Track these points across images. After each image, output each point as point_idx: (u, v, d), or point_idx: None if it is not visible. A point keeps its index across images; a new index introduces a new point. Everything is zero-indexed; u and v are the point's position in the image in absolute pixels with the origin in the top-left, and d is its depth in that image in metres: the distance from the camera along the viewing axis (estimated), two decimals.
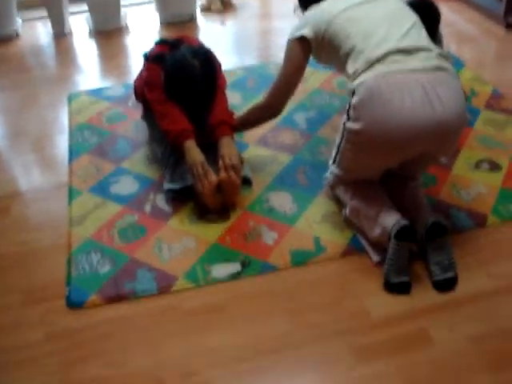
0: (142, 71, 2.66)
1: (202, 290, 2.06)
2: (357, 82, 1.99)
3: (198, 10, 4.36)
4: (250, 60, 3.64)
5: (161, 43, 2.58)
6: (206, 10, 4.42)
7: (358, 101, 1.96)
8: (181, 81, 2.37)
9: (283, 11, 4.35)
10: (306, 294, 2.02)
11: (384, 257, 2.04)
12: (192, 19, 4.26)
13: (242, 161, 2.36)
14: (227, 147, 2.33)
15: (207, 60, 2.42)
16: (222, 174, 2.26)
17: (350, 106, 2.02)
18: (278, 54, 3.63)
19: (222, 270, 2.11)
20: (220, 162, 2.29)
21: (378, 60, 1.98)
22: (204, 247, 2.21)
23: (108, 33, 4.20)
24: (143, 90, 2.56)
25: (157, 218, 2.37)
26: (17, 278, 2.19)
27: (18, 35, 4.29)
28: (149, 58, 2.52)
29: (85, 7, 4.23)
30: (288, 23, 4.11)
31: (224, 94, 2.51)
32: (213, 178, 2.25)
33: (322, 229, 2.26)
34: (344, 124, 2.07)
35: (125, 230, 2.32)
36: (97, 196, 2.51)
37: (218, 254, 2.18)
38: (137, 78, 2.81)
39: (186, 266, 2.13)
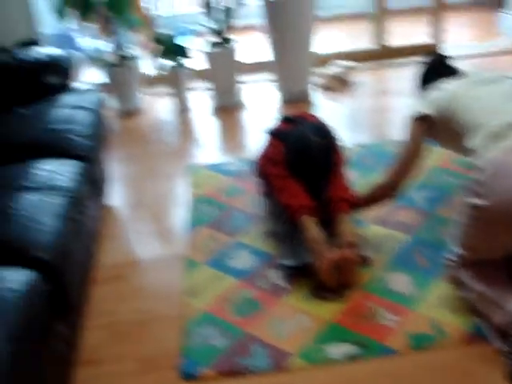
0: (265, 147, 2.72)
1: (317, 369, 2.02)
2: (483, 157, 1.96)
3: (317, 88, 4.43)
4: (366, 137, 3.64)
5: (284, 120, 2.65)
6: (325, 87, 4.49)
7: (486, 177, 1.92)
8: (302, 156, 2.41)
9: (399, 89, 4.35)
10: (425, 381, 1.94)
11: (509, 344, 1.93)
12: (309, 97, 4.34)
13: (360, 239, 2.33)
14: (346, 225, 2.32)
15: (328, 137, 2.45)
16: (341, 252, 2.24)
17: (475, 183, 1.97)
18: (394, 132, 3.66)
19: (337, 350, 2.07)
20: (339, 240, 2.27)
21: (503, 135, 1.94)
22: (320, 326, 2.18)
23: (228, 109, 4.34)
24: (265, 165, 2.62)
25: (272, 293, 2.36)
26: (133, 346, 2.24)
27: (140, 110, 4.52)
28: (273, 134, 2.58)
29: (207, 84, 4.40)
30: (403, 101, 4.11)
31: (343, 171, 2.52)
32: (331, 254, 2.23)
33: (443, 312, 2.18)
34: (468, 201, 2.01)
35: (240, 304, 2.33)
36: (214, 269, 2.55)
37: (333, 333, 2.14)
38: (259, 154, 2.86)
39: (301, 344, 2.10)
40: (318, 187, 2.49)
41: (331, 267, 2.25)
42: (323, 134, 2.44)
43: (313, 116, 2.72)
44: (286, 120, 2.65)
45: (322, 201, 2.44)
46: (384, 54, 4.95)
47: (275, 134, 2.58)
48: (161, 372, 2.10)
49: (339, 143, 2.57)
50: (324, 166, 2.45)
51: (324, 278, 2.28)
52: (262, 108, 4.31)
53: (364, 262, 2.39)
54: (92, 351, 2.23)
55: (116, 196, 3.31)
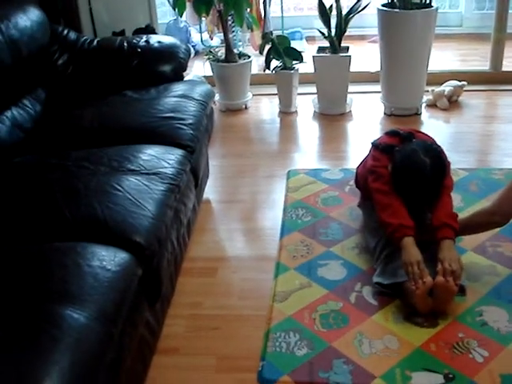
0: (367, 159, 2.65)
1: None
2: None
3: (424, 105, 4.33)
4: (470, 161, 3.51)
5: (392, 134, 2.55)
6: (432, 105, 4.37)
7: None
8: (409, 176, 2.33)
9: (509, 116, 4.19)
10: None
11: None
12: (417, 113, 4.23)
13: (461, 267, 2.23)
14: (448, 251, 2.23)
15: (439, 159, 2.35)
16: (440, 279, 2.15)
17: None
18: (500, 159, 3.51)
19: (423, 378, 1.98)
20: (439, 266, 2.18)
21: None
22: (406, 350, 2.09)
23: (332, 117, 4.29)
24: (366, 177, 2.55)
25: (361, 309, 2.29)
26: (214, 342, 2.23)
27: (246, 108, 4.54)
28: (378, 147, 2.50)
29: (313, 89, 4.37)
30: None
31: (450, 196, 2.42)
32: (428, 279, 2.15)
33: None
34: None
35: (327, 315, 2.27)
36: (303, 276, 2.51)
37: (420, 360, 2.05)
38: (360, 165, 2.81)
39: (386, 367, 2.02)
40: (423, 209, 2.40)
41: (426, 293, 2.16)
42: (434, 155, 2.34)
43: (423, 134, 2.62)
44: (393, 134, 2.55)
45: (425, 223, 2.36)
46: (498, 79, 4.78)
47: (380, 147, 2.49)
48: (238, 373, 2.08)
49: (450, 166, 2.47)
50: (433, 189, 2.36)
51: (416, 302, 2.20)
52: (367, 119, 4.25)
53: (460, 291, 2.29)
54: (171, 340, 2.24)
55: (213, 190, 3.32)
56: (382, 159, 2.46)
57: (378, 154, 2.50)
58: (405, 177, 2.34)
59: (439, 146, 2.45)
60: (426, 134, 2.63)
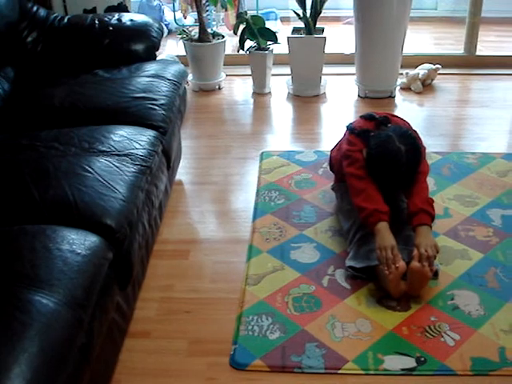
0: (341, 142, 2.64)
1: (371, 378, 1.95)
2: None
3: (398, 88, 4.32)
4: (444, 145, 3.52)
5: (368, 118, 2.53)
6: (406, 88, 4.37)
7: None
8: (384, 162, 2.32)
9: (483, 100, 4.20)
10: None
11: None
12: (391, 96, 4.23)
13: (438, 252, 2.23)
14: (424, 237, 2.23)
15: (414, 145, 2.34)
16: (415, 264, 2.15)
17: None
18: (473, 143, 3.53)
19: (394, 362, 1.99)
20: (415, 251, 2.19)
21: None
22: (379, 334, 2.10)
23: (306, 98, 4.27)
24: (340, 161, 2.54)
25: (334, 293, 2.29)
26: (186, 325, 2.21)
27: (220, 88, 4.49)
28: (354, 132, 2.48)
29: (288, 70, 4.33)
30: (486, 113, 3.97)
31: (426, 181, 2.41)
32: (401, 264, 2.15)
33: (510, 339, 2.07)
34: None
35: (299, 299, 2.27)
36: (276, 259, 2.50)
37: (392, 343, 2.06)
38: (334, 148, 2.79)
39: (358, 350, 2.03)
40: (395, 194, 2.40)
41: (399, 278, 2.17)
42: (410, 141, 2.33)
43: (398, 118, 2.60)
44: (368, 118, 2.53)
45: (399, 208, 2.36)
46: (472, 62, 4.79)
47: (355, 131, 2.48)
48: (210, 356, 2.06)
49: (425, 152, 2.46)
50: (408, 175, 2.35)
51: (389, 286, 2.20)
52: (342, 101, 4.23)
53: (434, 275, 2.29)
54: (142, 324, 2.22)
55: (185, 172, 3.28)
56: (357, 143, 2.44)
57: (353, 138, 2.48)
58: (379, 163, 2.33)
59: (415, 132, 2.44)
60: (402, 119, 2.61)
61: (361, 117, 2.58)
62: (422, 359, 2.00)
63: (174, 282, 2.43)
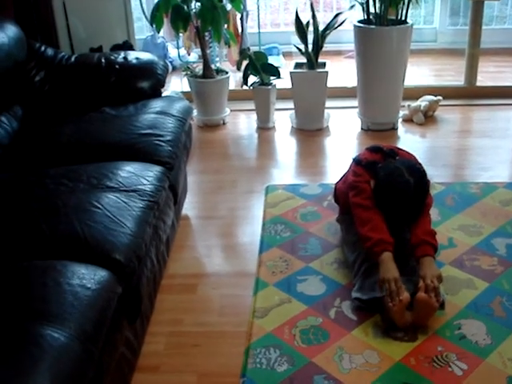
0: (347, 174, 2.67)
1: None
2: None
3: (400, 120, 4.37)
4: (447, 176, 3.56)
5: (374, 150, 2.57)
6: (408, 120, 4.42)
7: None
8: (393, 194, 2.35)
9: (485, 130, 4.25)
10: None
11: None
12: (393, 128, 4.27)
13: (440, 281, 2.25)
14: (429, 268, 2.25)
15: (422, 179, 2.38)
16: (422, 295, 2.17)
17: None
18: (476, 173, 3.56)
19: None
20: (421, 282, 2.21)
21: None
22: (387, 365, 2.10)
23: (309, 132, 4.32)
24: (346, 193, 2.56)
25: (341, 324, 2.30)
26: (195, 359, 2.22)
27: (224, 123, 4.55)
28: (361, 163, 2.52)
29: (291, 105, 4.39)
30: (488, 143, 4.01)
31: (429, 214, 2.44)
32: (405, 296, 2.17)
33: None
34: None
35: (307, 331, 2.28)
36: (282, 291, 2.51)
37: (400, 374, 2.06)
38: (339, 181, 2.82)
39: (366, 382, 2.03)
40: (400, 226, 2.42)
41: (403, 310, 2.18)
42: (419, 174, 2.37)
43: (404, 151, 2.63)
44: (375, 150, 2.57)
45: (403, 240, 2.39)
46: (472, 93, 4.85)
47: (362, 163, 2.51)
48: None
49: (430, 184, 2.49)
50: (415, 208, 2.38)
51: (395, 318, 2.21)
52: (345, 134, 4.28)
53: (440, 305, 2.30)
54: (151, 358, 2.22)
55: (191, 207, 3.32)
56: (364, 175, 2.47)
57: (359, 169, 2.51)
58: (388, 194, 2.36)
59: (422, 166, 2.47)
60: (408, 152, 2.65)
61: (367, 149, 2.62)
62: None
63: (182, 316, 2.44)
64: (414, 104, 4.45)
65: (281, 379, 2.06)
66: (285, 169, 3.78)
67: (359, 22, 4.10)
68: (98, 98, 3.14)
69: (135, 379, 2.10)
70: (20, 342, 1.46)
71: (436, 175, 3.49)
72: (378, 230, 2.32)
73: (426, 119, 4.42)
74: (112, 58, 3.30)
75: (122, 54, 3.34)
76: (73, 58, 3.37)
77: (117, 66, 3.25)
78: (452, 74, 5.47)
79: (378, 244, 2.29)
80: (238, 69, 4.52)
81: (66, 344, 1.48)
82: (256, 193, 3.43)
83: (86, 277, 1.72)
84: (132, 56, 3.34)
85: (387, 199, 2.37)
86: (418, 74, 5.49)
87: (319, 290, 2.51)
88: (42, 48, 3.36)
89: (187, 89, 4.60)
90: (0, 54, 2.86)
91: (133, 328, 2.02)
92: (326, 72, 4.23)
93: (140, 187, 2.29)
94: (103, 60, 3.27)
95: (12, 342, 1.46)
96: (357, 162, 2.55)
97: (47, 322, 1.52)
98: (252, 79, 4.37)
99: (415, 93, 4.63)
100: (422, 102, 4.47)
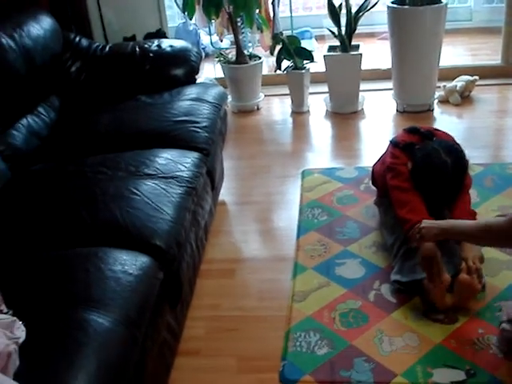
0: (385, 156, 2.66)
1: None
2: None
3: (436, 101, 4.32)
4: (486, 156, 3.51)
5: (411, 132, 2.55)
6: (444, 101, 4.36)
7: None
8: (431, 175, 2.33)
9: None
10: None
11: None
12: (429, 110, 4.23)
13: (482, 262, 2.23)
14: (470, 249, 2.23)
15: (460, 159, 2.35)
16: (464, 276, 2.15)
17: None
18: None
19: (444, 375, 1.98)
20: (463, 264, 2.19)
21: None
22: (427, 347, 2.10)
23: (344, 115, 4.29)
24: (383, 175, 2.55)
25: (380, 307, 2.30)
26: (235, 343, 2.24)
27: (258, 109, 4.55)
28: (398, 146, 2.50)
29: (325, 88, 4.37)
30: None
31: (468, 194, 2.42)
32: (446, 277, 2.15)
33: None
34: None
35: (346, 314, 2.28)
36: (321, 275, 2.52)
37: (441, 356, 2.06)
38: (377, 163, 2.80)
39: (406, 364, 2.03)
40: (439, 207, 2.40)
41: (444, 289, 2.17)
42: (457, 155, 2.35)
43: (442, 132, 2.61)
44: (412, 131, 2.55)
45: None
46: (509, 72, 4.75)
47: (399, 145, 2.49)
48: (260, 373, 2.09)
49: (468, 165, 2.45)
50: (454, 188, 2.37)
51: (435, 299, 2.21)
52: (380, 116, 4.24)
53: (481, 287, 2.29)
54: (191, 342, 2.25)
55: (228, 192, 3.33)
56: (402, 157, 2.46)
57: (397, 151, 2.49)
58: (426, 175, 2.35)
59: (460, 146, 2.44)
60: (446, 133, 2.62)
61: (404, 130, 2.60)
62: (472, 372, 1.98)
63: (221, 300, 2.47)
64: (449, 85, 4.38)
65: (321, 362, 2.07)
66: (320, 153, 3.77)
67: (392, 2, 4.04)
68: (133, 87, 3.17)
69: (177, 363, 2.13)
70: (65, 328, 1.50)
71: (474, 156, 3.42)
72: (416, 211, 2.31)
73: (462, 100, 4.35)
74: (146, 46, 3.33)
75: (156, 42, 3.37)
76: (107, 48, 3.41)
77: (151, 55, 3.27)
78: (488, 53, 5.37)
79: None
80: (271, 53, 4.51)
81: (110, 329, 1.51)
82: (291, 177, 3.43)
83: (128, 263, 1.75)
84: (166, 44, 3.36)
85: (425, 180, 2.35)
86: (453, 53, 5.41)
87: (358, 273, 2.51)
88: (77, 39, 3.40)
89: (220, 75, 4.61)
90: (37, 47, 2.90)
91: (174, 313, 2.06)
92: (360, 54, 4.20)
93: (178, 173, 2.31)
94: (137, 49, 3.30)
95: (57, 328, 1.50)
96: (394, 144, 2.53)
97: (91, 307, 1.56)
98: (285, 64, 4.36)
99: (451, 73, 4.56)
100: (458, 82, 4.40)
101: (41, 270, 1.75)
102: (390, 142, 2.57)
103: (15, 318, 1.47)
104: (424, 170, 2.35)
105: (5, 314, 1.50)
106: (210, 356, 2.19)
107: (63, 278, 1.69)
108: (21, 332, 1.44)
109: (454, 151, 2.36)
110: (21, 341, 1.42)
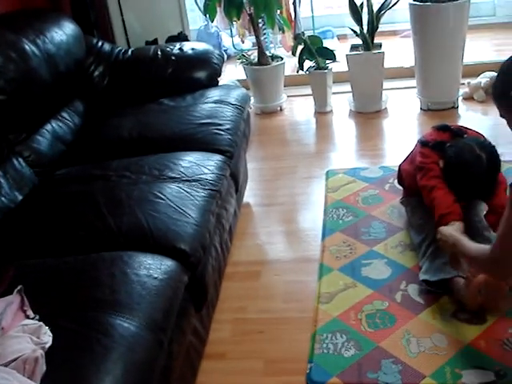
0: (413, 156, 2.63)
1: None
2: None
3: (460, 98, 4.27)
4: None
5: (442, 129, 2.52)
6: (469, 98, 4.31)
7: None
8: (465, 170, 2.30)
9: None
10: None
11: None
12: (454, 107, 4.18)
13: None
14: None
15: (494, 154, 2.32)
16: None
17: None
18: None
19: (473, 376, 1.95)
20: None
21: None
22: (455, 348, 2.07)
23: (368, 114, 4.26)
24: (411, 174, 2.52)
25: (407, 308, 2.27)
26: (261, 345, 2.24)
27: (281, 110, 4.54)
28: (428, 145, 2.47)
29: (348, 88, 4.35)
30: None
31: (505, 192, 2.37)
32: (479, 277, 2.11)
33: None
34: None
35: (373, 315, 2.26)
36: (347, 276, 2.50)
37: (470, 357, 2.03)
38: (404, 162, 2.77)
39: (435, 365, 2.00)
40: (470, 209, 2.37)
41: (477, 290, 2.13)
42: (490, 150, 2.31)
43: (472, 130, 2.57)
44: (443, 129, 2.51)
45: (471, 224, 2.34)
46: None
47: (429, 144, 2.46)
48: (286, 376, 2.08)
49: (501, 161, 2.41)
50: (488, 184, 2.33)
51: (465, 299, 2.17)
52: (404, 115, 4.21)
53: (509, 288, 2.25)
54: (217, 345, 2.25)
55: (252, 194, 3.33)
56: (432, 156, 2.43)
57: (426, 150, 2.46)
58: (460, 172, 2.31)
59: (491, 142, 2.40)
60: (476, 131, 2.59)
61: (434, 128, 2.57)
62: (502, 373, 1.95)
63: (246, 303, 2.46)
64: (474, 81, 4.34)
65: (349, 364, 2.05)
66: (344, 153, 3.75)
67: None
68: (155, 90, 3.18)
69: (203, 366, 2.13)
70: (91, 333, 1.50)
71: (502, 153, 3.38)
72: (448, 206, 2.27)
73: (487, 96, 4.30)
74: (168, 49, 3.34)
75: (178, 46, 3.38)
76: (129, 52, 3.43)
77: (173, 58, 3.28)
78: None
79: (447, 214, 2.24)
80: (293, 54, 4.49)
81: (136, 333, 1.51)
82: (316, 178, 3.41)
83: (153, 267, 1.76)
84: (187, 47, 3.37)
85: (459, 177, 2.32)
86: (477, 50, 5.34)
87: (384, 273, 2.49)
88: (99, 43, 3.42)
89: (242, 77, 4.61)
90: (60, 53, 2.92)
91: (199, 316, 2.06)
92: (383, 53, 4.16)
93: (201, 176, 2.31)
94: (159, 52, 3.31)
95: (84, 332, 1.51)
96: (423, 143, 2.50)
97: (117, 311, 1.57)
98: (308, 64, 4.34)
99: (475, 69, 4.50)
100: (483, 78, 4.34)
101: (66, 275, 1.76)
102: (419, 141, 2.55)
103: (41, 323, 1.48)
104: (458, 166, 2.32)
105: (31, 319, 1.52)
106: (236, 359, 2.19)
107: (89, 283, 1.70)
108: (47, 337, 1.45)
109: (487, 146, 2.33)
110: (47, 346, 1.43)
